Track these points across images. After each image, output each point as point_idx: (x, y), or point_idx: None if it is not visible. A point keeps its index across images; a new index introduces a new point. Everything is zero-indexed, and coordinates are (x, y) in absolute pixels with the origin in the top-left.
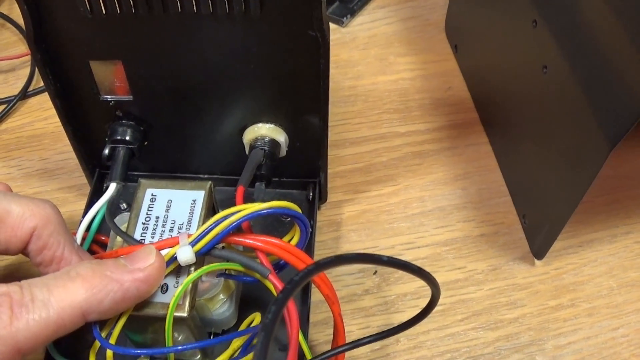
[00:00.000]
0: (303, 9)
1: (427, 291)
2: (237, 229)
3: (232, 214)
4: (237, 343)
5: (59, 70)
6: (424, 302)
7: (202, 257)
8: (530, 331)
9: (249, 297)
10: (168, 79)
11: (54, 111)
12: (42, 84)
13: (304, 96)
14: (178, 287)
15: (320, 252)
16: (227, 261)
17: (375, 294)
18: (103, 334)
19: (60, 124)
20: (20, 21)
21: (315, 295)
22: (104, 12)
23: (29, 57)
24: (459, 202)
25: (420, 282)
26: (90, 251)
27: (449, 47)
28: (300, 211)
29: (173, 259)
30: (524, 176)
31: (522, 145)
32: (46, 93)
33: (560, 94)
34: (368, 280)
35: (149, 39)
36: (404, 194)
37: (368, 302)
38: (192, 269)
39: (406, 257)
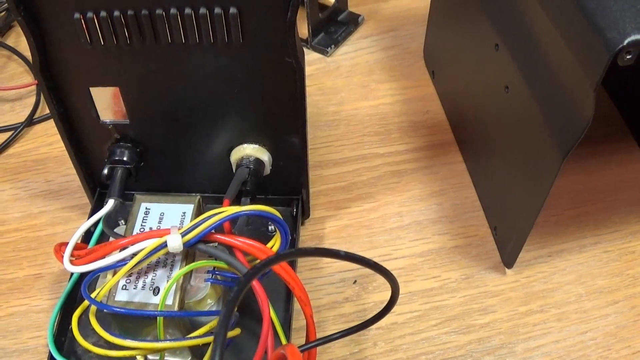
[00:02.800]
0: (279, 38)
1: (404, 298)
2: (220, 229)
3: (218, 213)
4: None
5: (62, 96)
6: (400, 309)
7: (192, 254)
8: (501, 335)
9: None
10: (161, 104)
11: (58, 137)
12: (47, 111)
13: (284, 118)
14: (169, 282)
15: (303, 264)
16: (212, 257)
17: (355, 301)
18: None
19: (63, 148)
20: (26, 53)
21: (298, 304)
22: (102, 43)
23: (34, 87)
24: (434, 216)
25: None
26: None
27: (427, 73)
28: (280, 216)
29: (163, 245)
30: (494, 191)
31: (492, 162)
32: (51, 120)
33: (520, 112)
34: (348, 289)
35: (143, 67)
36: (382, 209)
37: (348, 309)
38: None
39: None
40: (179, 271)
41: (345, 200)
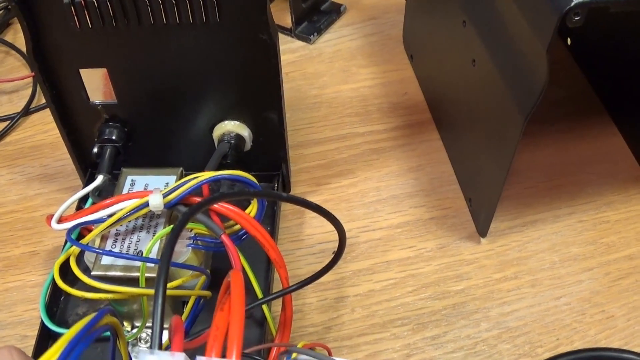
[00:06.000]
0: (253, 16)
1: (381, 267)
2: (199, 193)
3: (198, 177)
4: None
5: (54, 78)
6: (377, 277)
7: (174, 220)
8: (475, 300)
9: (221, 269)
10: (146, 83)
11: (53, 125)
12: (42, 101)
13: (261, 94)
14: (151, 240)
15: (285, 236)
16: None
17: (333, 270)
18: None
19: (58, 135)
20: (23, 48)
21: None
22: (90, 26)
23: (31, 79)
24: (411, 190)
25: (374, 260)
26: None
27: (407, 57)
28: (256, 181)
29: (145, 204)
30: (468, 163)
31: (465, 135)
32: (46, 110)
33: (486, 83)
34: (327, 259)
35: (128, 48)
36: (361, 185)
37: (326, 278)
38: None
39: (362, 238)
40: (161, 231)
41: (326, 176)
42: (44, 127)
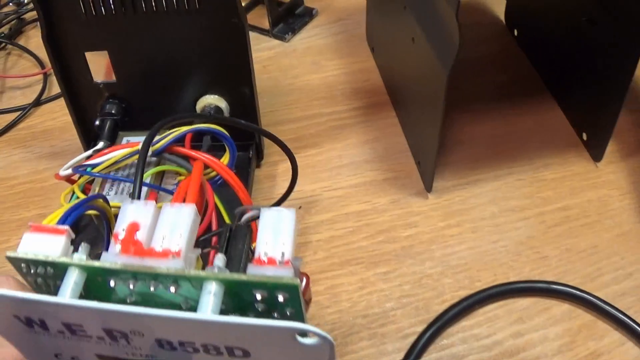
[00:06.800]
0: (225, 3)
1: (341, 217)
2: (181, 141)
3: (180, 129)
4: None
5: (64, 60)
6: (337, 226)
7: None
8: (422, 244)
9: None
10: (140, 63)
11: (61, 113)
12: (52, 94)
13: (235, 71)
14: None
15: (258, 196)
16: (174, 163)
17: (299, 221)
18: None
19: (66, 120)
20: (35, 51)
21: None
22: (94, 13)
23: (41, 76)
24: (368, 157)
25: (335, 212)
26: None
27: (369, 51)
28: (227, 134)
29: (136, 152)
30: (416, 131)
31: (412, 107)
32: (55, 100)
33: (422, 55)
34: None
35: (125, 33)
36: (326, 154)
37: None
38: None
39: (325, 196)
40: (150, 170)
41: (296, 147)
42: (53, 115)
